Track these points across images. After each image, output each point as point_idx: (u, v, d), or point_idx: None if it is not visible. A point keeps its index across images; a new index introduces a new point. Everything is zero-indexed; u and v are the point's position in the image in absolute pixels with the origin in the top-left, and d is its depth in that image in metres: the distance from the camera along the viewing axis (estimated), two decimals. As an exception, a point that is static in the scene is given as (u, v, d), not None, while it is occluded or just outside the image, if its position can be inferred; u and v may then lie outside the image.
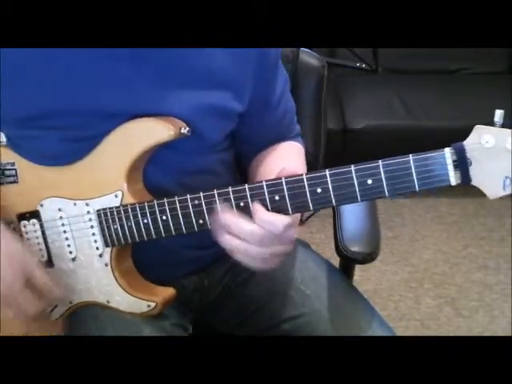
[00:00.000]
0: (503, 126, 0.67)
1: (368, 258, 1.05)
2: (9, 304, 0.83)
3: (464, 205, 2.52)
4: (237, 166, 1.03)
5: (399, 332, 1.85)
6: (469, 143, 0.68)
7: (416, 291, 2.07)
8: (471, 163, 0.68)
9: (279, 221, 0.73)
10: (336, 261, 1.09)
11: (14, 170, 0.90)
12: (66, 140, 0.85)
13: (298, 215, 0.81)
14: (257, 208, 0.74)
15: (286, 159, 0.96)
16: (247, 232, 0.74)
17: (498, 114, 0.67)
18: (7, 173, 0.91)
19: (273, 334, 0.96)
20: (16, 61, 0.81)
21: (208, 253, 0.95)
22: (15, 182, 0.90)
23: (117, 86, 0.82)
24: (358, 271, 1.15)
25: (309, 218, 2.35)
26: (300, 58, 1.19)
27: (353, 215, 1.12)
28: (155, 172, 0.87)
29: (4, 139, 0.92)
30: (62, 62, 0.81)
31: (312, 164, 1.23)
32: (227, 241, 0.75)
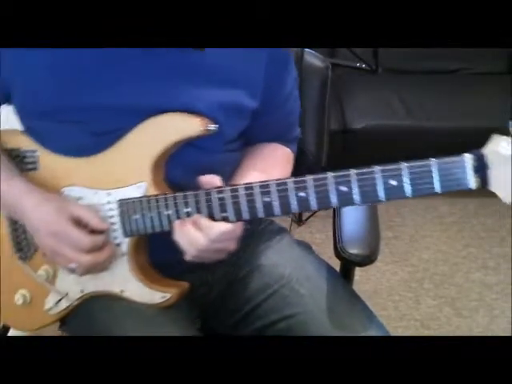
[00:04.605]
0: None
1: (367, 260, 1.04)
2: (62, 243, 0.84)
3: (464, 205, 2.52)
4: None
5: (399, 332, 1.85)
6: (487, 150, 0.72)
7: (416, 291, 2.07)
8: (489, 169, 0.71)
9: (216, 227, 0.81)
10: (336, 261, 1.09)
11: (35, 157, 0.91)
12: (89, 133, 0.86)
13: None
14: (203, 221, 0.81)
15: (271, 166, 0.98)
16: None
17: None
18: (27, 160, 0.92)
19: (267, 333, 0.96)
20: (43, 55, 0.83)
21: None
22: (35, 169, 0.91)
23: (141, 81, 0.84)
24: (358, 271, 1.15)
25: (309, 218, 2.36)
26: (304, 59, 1.19)
27: (353, 217, 1.12)
28: (172, 168, 0.88)
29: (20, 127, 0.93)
30: (87, 57, 0.82)
31: (314, 165, 1.23)
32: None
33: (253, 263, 1.00)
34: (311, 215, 2.35)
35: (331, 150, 1.31)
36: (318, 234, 2.28)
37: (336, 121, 2.41)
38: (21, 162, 0.92)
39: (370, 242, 1.08)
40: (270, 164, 0.99)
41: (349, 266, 1.11)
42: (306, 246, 1.07)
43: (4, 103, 0.94)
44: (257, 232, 1.04)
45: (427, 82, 2.68)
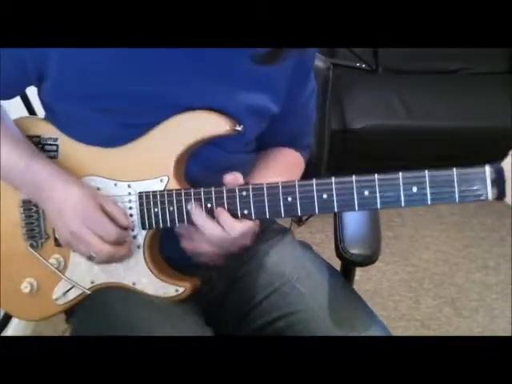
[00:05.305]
0: None
1: (368, 260, 1.05)
2: (88, 229, 0.84)
3: (464, 205, 2.52)
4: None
5: (399, 332, 1.85)
6: (505, 164, 0.73)
7: (416, 291, 2.07)
8: (506, 182, 0.73)
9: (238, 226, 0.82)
10: (337, 261, 1.09)
11: (56, 145, 0.91)
12: (116, 124, 0.87)
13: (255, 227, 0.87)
14: (221, 211, 0.83)
15: (284, 170, 1.00)
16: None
17: None
18: (48, 148, 0.92)
19: (268, 331, 0.96)
20: None
21: None
22: (55, 157, 0.91)
23: (173, 78, 0.85)
24: (359, 271, 1.15)
25: (309, 218, 2.35)
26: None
27: (354, 217, 1.12)
28: (191, 165, 0.89)
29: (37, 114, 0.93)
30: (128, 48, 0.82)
31: (316, 165, 1.23)
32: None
33: (254, 262, 1.00)
34: (311, 215, 2.35)
35: (331, 149, 1.32)
36: (317, 234, 2.28)
37: (336, 121, 2.41)
38: (41, 150, 0.91)
39: (372, 242, 1.08)
40: (284, 168, 1.00)
41: (350, 265, 1.11)
42: (306, 246, 1.07)
43: (32, 83, 0.92)
44: (259, 231, 1.04)
45: (427, 82, 2.67)
